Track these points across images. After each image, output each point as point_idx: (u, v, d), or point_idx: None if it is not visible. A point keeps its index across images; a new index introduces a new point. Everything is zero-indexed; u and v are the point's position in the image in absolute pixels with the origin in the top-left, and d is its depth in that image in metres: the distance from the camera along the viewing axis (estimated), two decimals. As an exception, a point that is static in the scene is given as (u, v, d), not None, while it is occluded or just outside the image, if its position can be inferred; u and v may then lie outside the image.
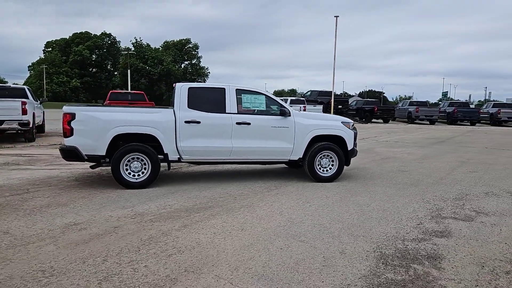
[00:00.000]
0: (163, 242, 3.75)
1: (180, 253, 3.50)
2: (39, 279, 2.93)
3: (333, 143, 6.73)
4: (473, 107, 38.02)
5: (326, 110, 27.94)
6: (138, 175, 5.98)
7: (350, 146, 6.83)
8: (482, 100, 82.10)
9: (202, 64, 65.72)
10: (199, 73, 65.46)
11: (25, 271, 3.06)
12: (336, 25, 27.94)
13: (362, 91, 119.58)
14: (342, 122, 6.88)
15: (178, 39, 65.82)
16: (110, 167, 6.77)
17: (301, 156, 6.64)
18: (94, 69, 77.21)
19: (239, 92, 6.47)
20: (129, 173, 5.94)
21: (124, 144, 5.92)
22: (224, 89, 6.42)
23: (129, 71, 49.56)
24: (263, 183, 6.59)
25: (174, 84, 6.75)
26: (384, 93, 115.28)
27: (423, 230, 4.27)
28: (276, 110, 6.58)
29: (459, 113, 29.57)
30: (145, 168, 6.00)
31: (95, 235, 3.91)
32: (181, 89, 6.23)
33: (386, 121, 31.39)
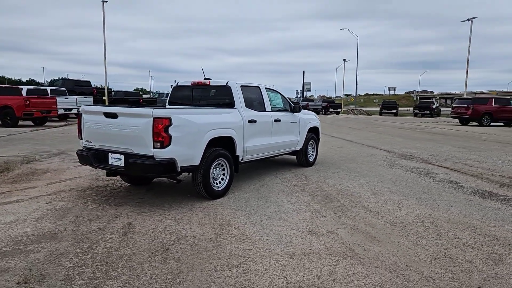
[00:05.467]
0: (420, 229, 4.49)
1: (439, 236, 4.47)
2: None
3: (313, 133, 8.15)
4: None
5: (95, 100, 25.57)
6: (219, 182, 5.41)
7: (319, 135, 8.45)
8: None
9: None
10: None
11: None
12: (104, 11, 25.90)
13: (60, 78, 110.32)
14: (315, 116, 8.36)
15: None
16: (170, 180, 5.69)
17: (301, 147, 7.68)
18: None
19: (267, 90, 6.75)
20: (213, 182, 5.29)
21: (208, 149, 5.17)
22: (259, 87, 6.55)
23: None
24: (278, 172, 7.21)
25: (193, 82, 6.21)
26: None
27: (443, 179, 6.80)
28: (286, 107, 7.29)
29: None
30: (224, 174, 5.48)
31: (339, 243, 4.10)
32: (236, 87, 5.94)
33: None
